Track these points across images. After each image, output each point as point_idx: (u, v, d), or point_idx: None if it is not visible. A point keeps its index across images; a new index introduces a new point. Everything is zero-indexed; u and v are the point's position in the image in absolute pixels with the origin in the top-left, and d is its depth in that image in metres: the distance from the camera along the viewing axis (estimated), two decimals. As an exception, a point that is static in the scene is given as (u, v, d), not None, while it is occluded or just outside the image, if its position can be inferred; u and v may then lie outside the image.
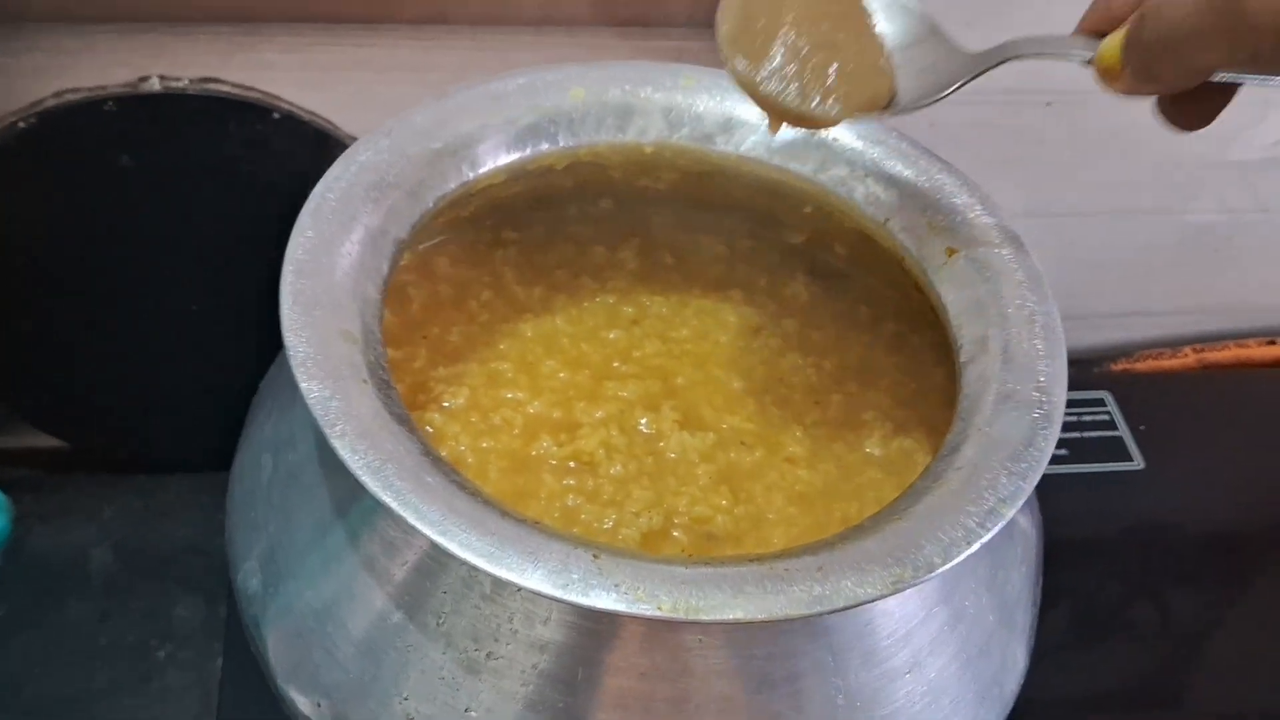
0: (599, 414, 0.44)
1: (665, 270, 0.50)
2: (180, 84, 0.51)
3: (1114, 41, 0.34)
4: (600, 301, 0.49)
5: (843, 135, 0.45)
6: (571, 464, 0.42)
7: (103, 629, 0.55)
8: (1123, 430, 0.64)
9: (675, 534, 0.41)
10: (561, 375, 0.45)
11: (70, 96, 0.50)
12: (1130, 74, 0.33)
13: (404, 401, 0.41)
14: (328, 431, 0.32)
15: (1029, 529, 0.43)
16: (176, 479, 0.60)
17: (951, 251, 0.42)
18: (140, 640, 0.55)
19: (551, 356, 0.46)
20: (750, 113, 0.45)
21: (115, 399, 0.59)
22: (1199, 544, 0.61)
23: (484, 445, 0.42)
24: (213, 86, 0.51)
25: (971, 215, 0.42)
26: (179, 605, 0.56)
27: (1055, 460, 0.65)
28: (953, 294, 0.41)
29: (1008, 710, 0.41)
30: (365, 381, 0.35)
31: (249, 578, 0.39)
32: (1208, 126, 0.35)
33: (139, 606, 0.56)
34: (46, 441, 0.60)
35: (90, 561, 0.57)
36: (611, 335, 0.47)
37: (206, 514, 0.57)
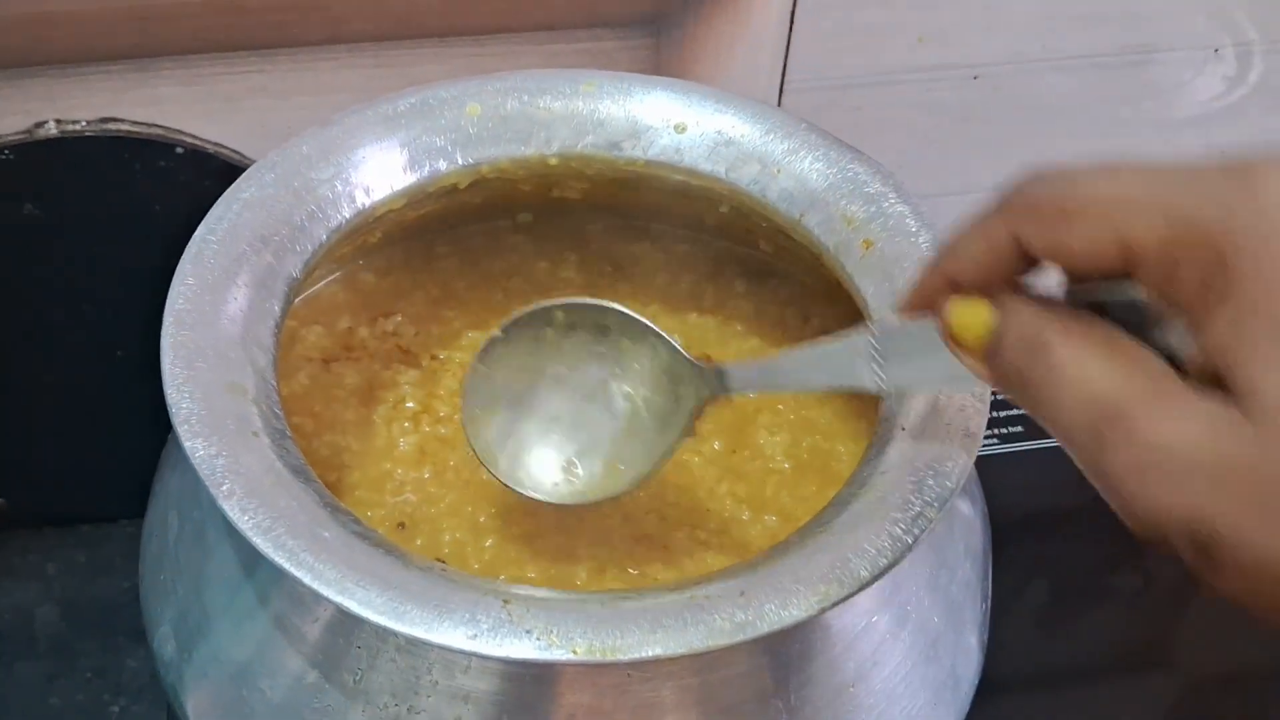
0: None
1: (608, 280, 0.49)
2: (78, 126, 0.49)
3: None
4: None
5: (750, 132, 0.43)
6: None
7: (52, 689, 0.54)
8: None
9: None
10: None
11: (-35, 149, 0.49)
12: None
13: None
14: (214, 491, 0.31)
15: (973, 517, 0.42)
16: (119, 527, 0.59)
17: (868, 244, 0.40)
18: (92, 698, 0.54)
19: None
20: (656, 117, 0.44)
21: (48, 451, 0.58)
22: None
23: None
24: (111, 126, 0.50)
25: (886, 205, 0.41)
26: (130, 658, 0.55)
27: (1013, 438, 0.65)
28: (872, 287, 0.39)
29: (965, 708, 0.40)
30: (256, 434, 0.33)
31: (164, 643, 0.37)
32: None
33: (88, 663, 0.55)
34: (-19, 500, 0.58)
35: (35, 621, 0.56)
36: None
37: (151, 561, 0.56)
